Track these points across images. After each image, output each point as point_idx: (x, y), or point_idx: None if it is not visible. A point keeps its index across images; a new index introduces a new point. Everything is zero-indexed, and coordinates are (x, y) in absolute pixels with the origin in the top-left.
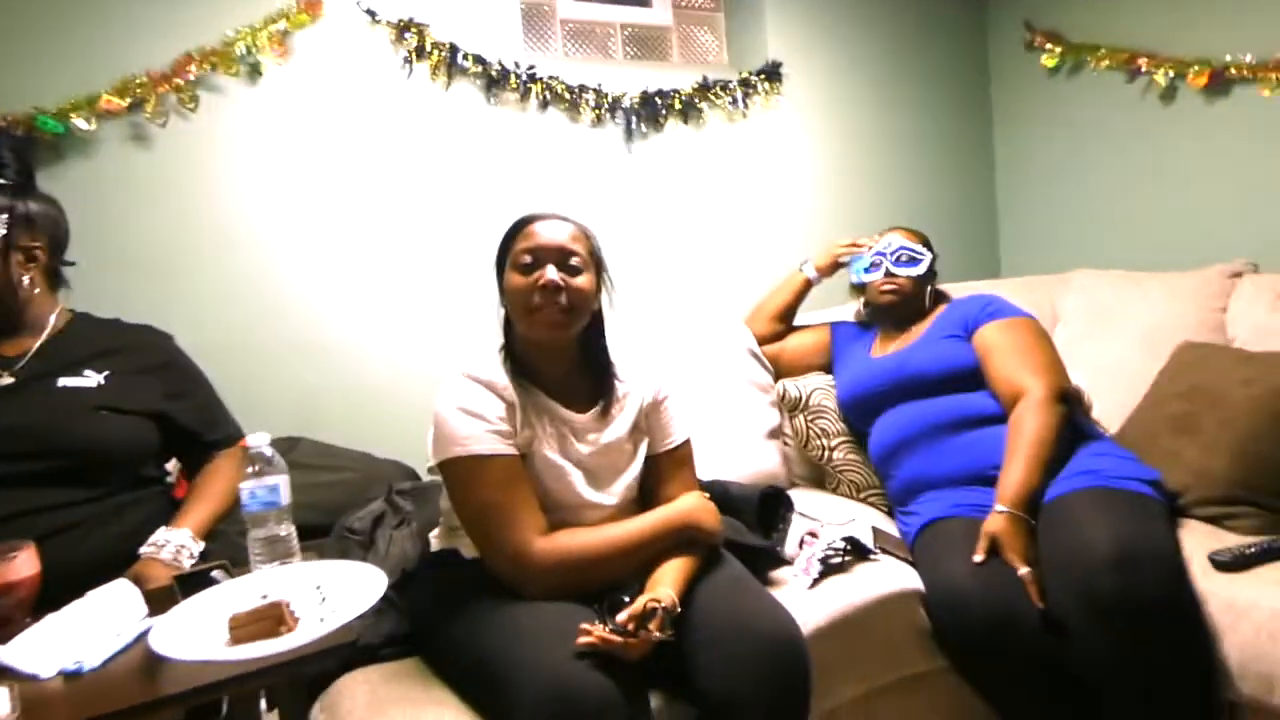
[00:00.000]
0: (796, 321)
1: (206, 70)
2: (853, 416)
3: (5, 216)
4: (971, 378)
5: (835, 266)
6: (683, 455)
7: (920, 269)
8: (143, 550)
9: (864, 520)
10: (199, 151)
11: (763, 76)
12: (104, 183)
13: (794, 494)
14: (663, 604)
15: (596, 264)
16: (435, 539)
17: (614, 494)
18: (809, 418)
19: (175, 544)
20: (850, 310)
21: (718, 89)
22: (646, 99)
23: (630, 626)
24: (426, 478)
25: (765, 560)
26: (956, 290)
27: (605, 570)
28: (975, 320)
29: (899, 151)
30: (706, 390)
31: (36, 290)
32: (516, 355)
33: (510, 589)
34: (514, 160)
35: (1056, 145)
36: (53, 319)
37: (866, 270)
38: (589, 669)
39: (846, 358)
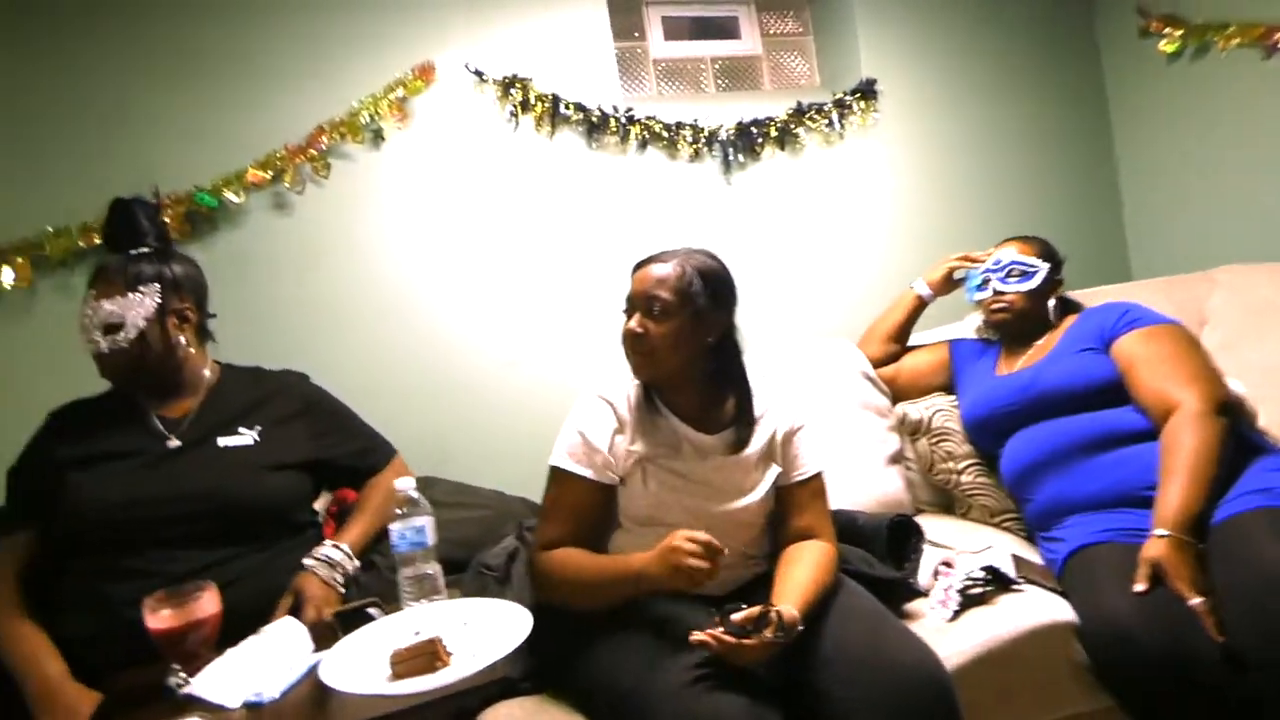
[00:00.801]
0: (912, 341)
1: (336, 140)
2: (980, 438)
3: (157, 285)
4: (1113, 392)
5: (949, 282)
6: (816, 488)
7: (1033, 283)
8: (305, 561)
9: (1002, 547)
10: (332, 214)
11: (857, 95)
12: (252, 249)
13: (922, 521)
14: (780, 612)
15: (689, 303)
16: None
17: (732, 513)
18: (932, 441)
19: (330, 555)
20: (969, 325)
21: (813, 113)
22: (742, 129)
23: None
24: None
25: (898, 593)
26: (1086, 297)
27: (574, 600)
28: (1113, 331)
29: (1009, 157)
30: (821, 417)
31: (191, 350)
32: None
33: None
34: (617, 200)
35: (1184, 135)
36: (206, 374)
37: (978, 288)
38: (725, 701)
39: (969, 376)
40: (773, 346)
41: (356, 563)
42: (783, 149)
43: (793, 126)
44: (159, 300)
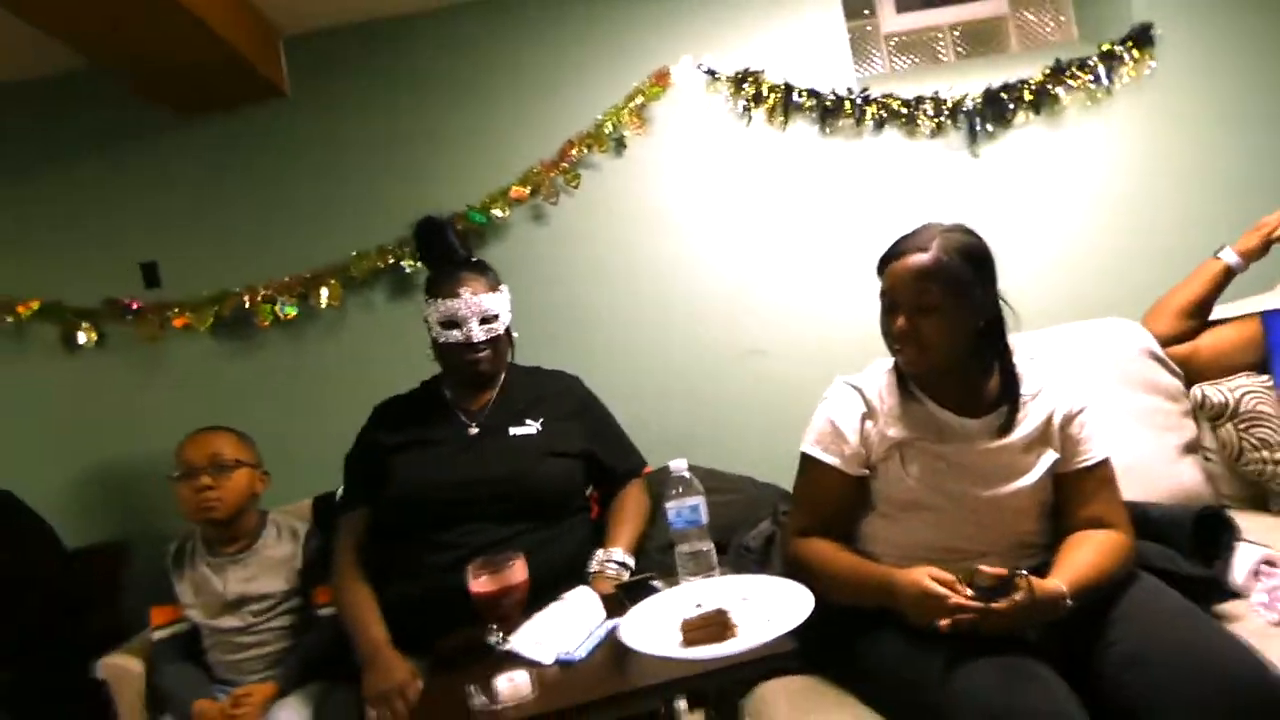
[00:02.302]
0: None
1: (584, 151)
2: None
3: (510, 297)
4: None
5: (1266, 247)
6: (1103, 475)
7: None
8: (592, 568)
9: None
10: (582, 219)
11: (1129, 45)
12: (515, 257)
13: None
14: (1030, 578)
15: (957, 291)
16: None
17: (1001, 498)
18: (1241, 426)
19: (616, 562)
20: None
21: (1074, 69)
22: (991, 96)
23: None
24: None
25: (1207, 593)
26: None
27: (824, 592)
28: None
29: None
30: (1099, 402)
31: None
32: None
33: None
34: (854, 185)
35: None
36: (503, 374)
37: None
38: (1032, 697)
39: None
40: (1040, 330)
41: (632, 561)
42: (1038, 114)
43: (1050, 87)
44: (509, 312)
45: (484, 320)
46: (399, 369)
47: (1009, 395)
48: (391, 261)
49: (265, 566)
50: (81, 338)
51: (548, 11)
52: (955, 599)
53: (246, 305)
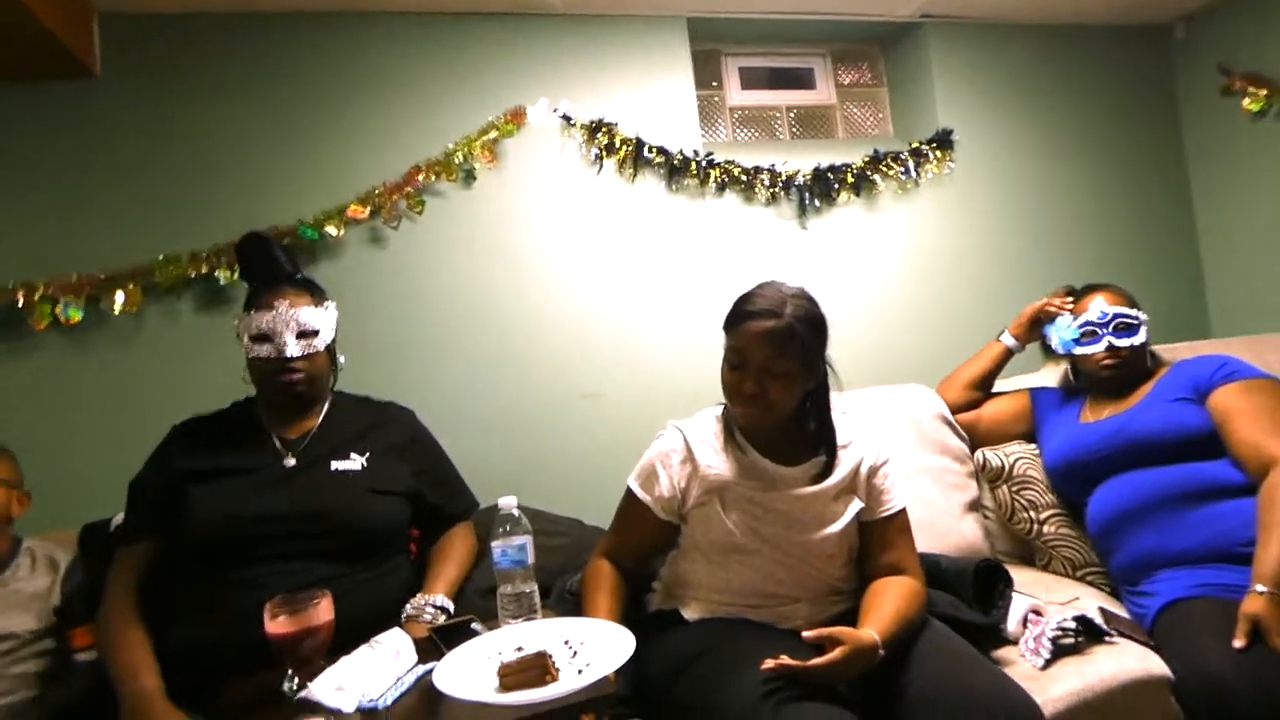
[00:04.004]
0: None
1: (431, 179)
2: (1065, 485)
3: (334, 304)
4: (1206, 444)
5: (1033, 330)
6: (901, 523)
7: (1141, 336)
8: (406, 612)
9: (1088, 599)
10: (424, 249)
11: (933, 145)
12: (348, 279)
13: None
14: (844, 635)
15: (802, 358)
16: (653, 600)
17: (812, 543)
18: (1014, 488)
19: (435, 606)
20: (1046, 376)
21: (889, 160)
22: (819, 175)
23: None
24: None
25: (985, 639)
26: (1167, 353)
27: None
28: (1209, 382)
29: (1086, 210)
30: (897, 459)
31: (331, 379)
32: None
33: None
34: (696, 241)
35: (1270, 192)
36: (327, 402)
37: (1078, 342)
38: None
39: (1053, 424)
40: (848, 392)
41: (452, 607)
42: (858, 195)
43: (869, 173)
44: (334, 331)
45: (301, 334)
46: (203, 390)
47: (827, 446)
48: (205, 270)
49: (12, 601)
50: None
51: (409, 32)
52: (773, 664)
53: (21, 304)
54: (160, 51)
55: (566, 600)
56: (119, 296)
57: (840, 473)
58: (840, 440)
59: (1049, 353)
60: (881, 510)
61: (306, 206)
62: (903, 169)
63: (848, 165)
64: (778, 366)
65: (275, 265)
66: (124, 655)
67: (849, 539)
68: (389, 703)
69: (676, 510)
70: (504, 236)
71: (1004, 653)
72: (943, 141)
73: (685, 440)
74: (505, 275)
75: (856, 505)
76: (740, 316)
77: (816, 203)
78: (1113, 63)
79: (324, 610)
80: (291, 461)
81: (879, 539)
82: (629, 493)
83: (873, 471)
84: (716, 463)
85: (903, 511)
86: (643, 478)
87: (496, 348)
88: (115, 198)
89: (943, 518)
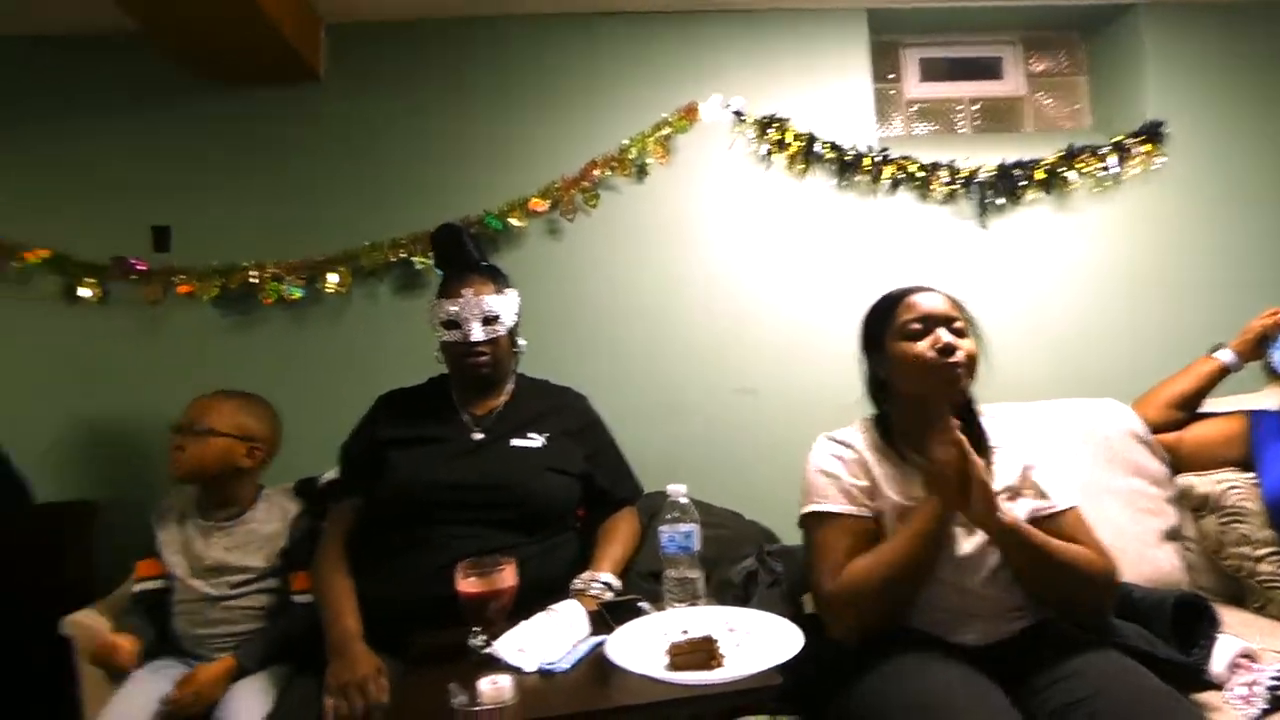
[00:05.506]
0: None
1: (606, 173)
2: None
3: (517, 293)
4: None
5: (1258, 347)
6: (1075, 517)
7: None
8: (574, 586)
9: None
10: (596, 240)
11: (1140, 138)
12: (526, 268)
13: None
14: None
15: (973, 325)
16: (808, 601)
17: (988, 551)
18: (1223, 520)
19: (601, 583)
20: (1268, 397)
21: (1086, 156)
22: (1004, 171)
23: None
24: (789, 541)
25: (1184, 680)
26: None
27: (892, 592)
28: None
29: None
30: (1086, 479)
31: (513, 362)
32: (888, 423)
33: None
34: (864, 240)
35: None
36: (511, 383)
37: None
38: None
39: (1276, 453)
40: (1029, 402)
41: (619, 585)
42: (1048, 193)
43: (1061, 170)
44: (516, 317)
45: (485, 321)
46: (400, 363)
47: (981, 446)
48: (402, 255)
49: (250, 540)
50: (84, 292)
51: (587, 34)
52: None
53: (254, 281)
54: (374, 56)
55: (726, 590)
56: (331, 278)
57: (1004, 474)
58: (994, 441)
59: (1272, 374)
60: (1050, 507)
61: (493, 199)
62: (1101, 165)
63: (1037, 161)
64: (958, 322)
65: (464, 252)
66: (332, 600)
67: None
68: (566, 668)
69: (871, 499)
70: (672, 231)
71: (1207, 697)
72: (1151, 134)
73: (850, 448)
74: (671, 268)
75: (1029, 504)
76: (901, 295)
77: (999, 201)
78: None
79: (509, 575)
80: (479, 436)
81: (1057, 535)
82: (813, 519)
83: (1033, 469)
84: (884, 473)
85: (1076, 508)
86: (821, 493)
87: (658, 339)
88: (330, 189)
89: (1133, 544)
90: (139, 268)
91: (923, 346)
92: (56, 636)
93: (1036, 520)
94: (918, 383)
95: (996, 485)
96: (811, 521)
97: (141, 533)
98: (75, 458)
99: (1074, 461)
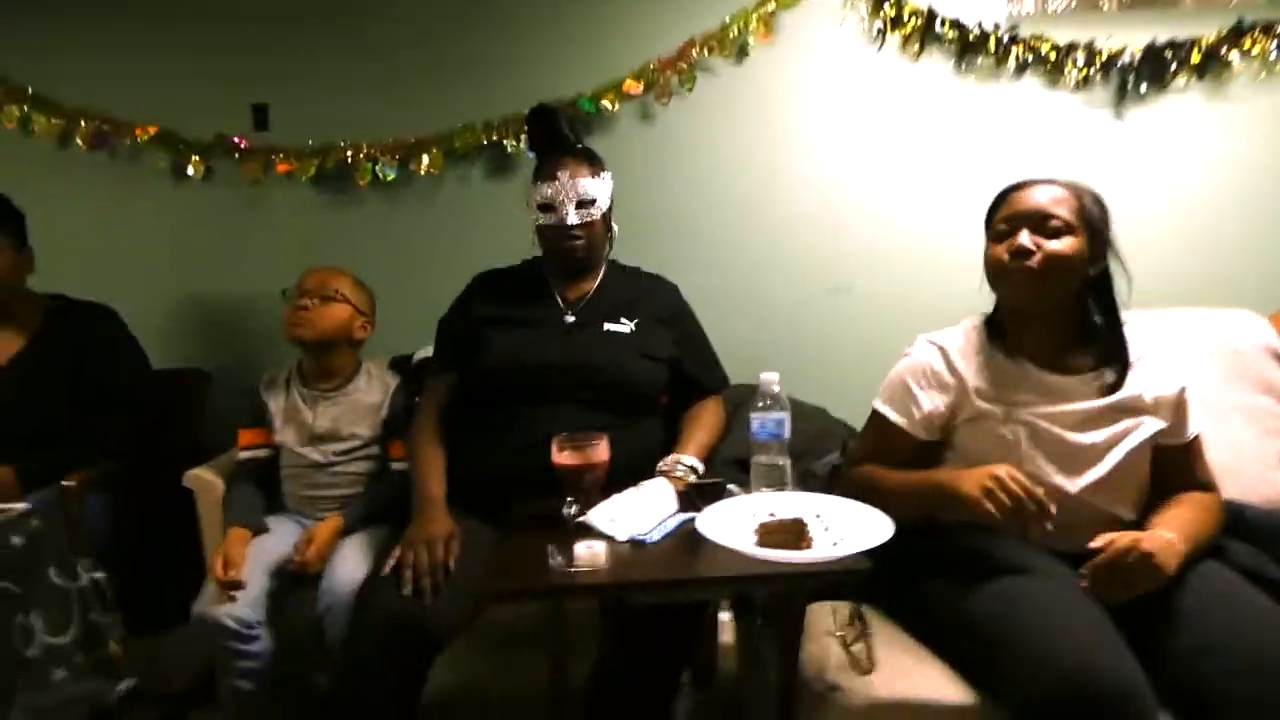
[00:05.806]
0: None
1: (704, 54)
2: None
3: (611, 175)
4: None
5: None
6: (1197, 449)
7: None
8: (660, 467)
9: None
10: (691, 125)
11: None
12: (618, 153)
13: None
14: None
15: (1089, 226)
16: None
17: (1092, 459)
18: None
19: (686, 465)
20: None
21: (1257, 33)
22: (1152, 53)
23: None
24: None
25: None
26: None
27: (881, 506)
28: None
29: None
30: (1212, 393)
31: (607, 247)
32: (1000, 322)
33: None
34: (982, 130)
35: None
36: (603, 269)
37: None
38: (1109, 672)
39: None
40: (1158, 310)
41: (702, 468)
42: (1201, 79)
43: (1224, 51)
44: (609, 200)
45: (580, 204)
46: (490, 245)
47: (1116, 355)
48: (495, 139)
49: (354, 409)
50: (190, 170)
51: None
52: (1032, 491)
53: (349, 161)
54: None
55: (810, 482)
56: (424, 159)
57: (1136, 387)
58: (1133, 354)
59: None
60: (1181, 436)
61: (587, 80)
62: (1276, 43)
63: (1194, 41)
64: (1054, 222)
65: (560, 134)
66: (422, 467)
67: (1136, 461)
68: (656, 538)
69: (940, 428)
70: (771, 116)
71: None
72: None
73: (944, 354)
74: (767, 157)
75: (1155, 425)
76: (1006, 191)
77: (1142, 88)
78: None
79: (602, 450)
80: (571, 318)
81: (1174, 465)
82: (877, 416)
83: (1172, 391)
84: (983, 377)
85: (1198, 438)
86: (895, 398)
87: (751, 230)
88: (424, 71)
89: (1253, 464)
90: (241, 146)
91: (1001, 249)
92: (179, 487)
93: (1160, 448)
94: (993, 287)
95: (1105, 403)
96: (874, 413)
97: (241, 399)
98: (178, 328)
99: (1199, 374)
